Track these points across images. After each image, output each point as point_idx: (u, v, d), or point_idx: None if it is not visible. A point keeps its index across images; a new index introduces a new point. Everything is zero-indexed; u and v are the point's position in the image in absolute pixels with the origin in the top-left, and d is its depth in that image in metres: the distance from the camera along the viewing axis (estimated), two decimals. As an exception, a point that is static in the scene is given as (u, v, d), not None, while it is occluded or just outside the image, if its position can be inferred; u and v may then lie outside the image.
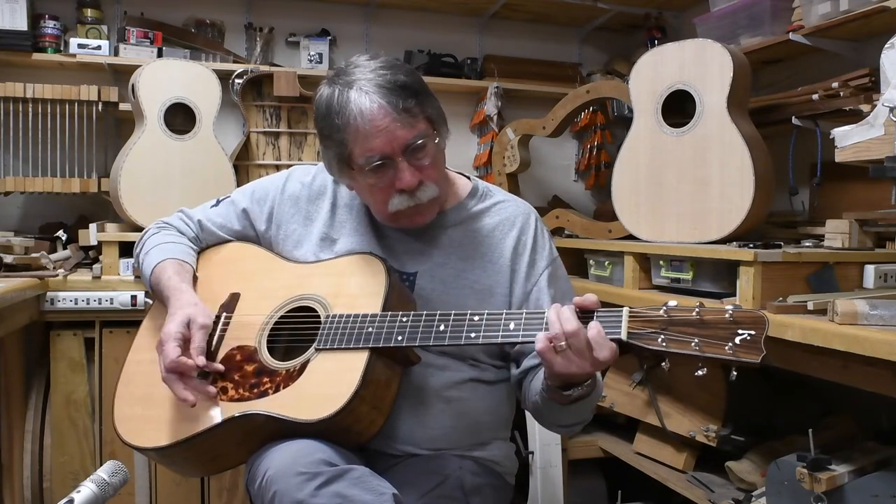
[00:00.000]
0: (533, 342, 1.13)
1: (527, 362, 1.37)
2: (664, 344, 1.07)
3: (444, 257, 1.39)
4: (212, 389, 1.27)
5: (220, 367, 1.30)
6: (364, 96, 1.23)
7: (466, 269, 1.38)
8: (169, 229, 1.53)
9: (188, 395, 1.25)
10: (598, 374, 1.22)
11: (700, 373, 1.07)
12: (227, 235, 1.53)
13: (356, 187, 1.37)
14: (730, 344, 1.04)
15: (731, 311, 1.06)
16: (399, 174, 1.27)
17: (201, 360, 1.27)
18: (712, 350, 1.05)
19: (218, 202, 1.55)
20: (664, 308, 1.09)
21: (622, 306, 1.15)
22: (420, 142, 1.27)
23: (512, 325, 1.18)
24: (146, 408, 1.35)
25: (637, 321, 1.10)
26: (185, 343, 1.28)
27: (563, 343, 1.10)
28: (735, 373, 1.06)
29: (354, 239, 1.41)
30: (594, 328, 1.10)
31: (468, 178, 1.49)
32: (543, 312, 1.17)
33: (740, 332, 1.04)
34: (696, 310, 1.08)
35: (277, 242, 1.48)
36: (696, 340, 1.05)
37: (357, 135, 1.25)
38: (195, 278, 1.45)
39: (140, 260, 1.51)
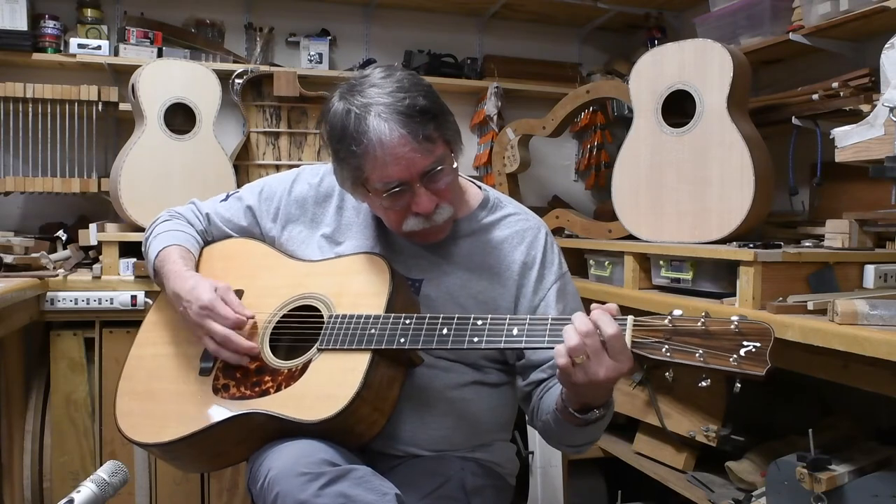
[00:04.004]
0: (536, 348, 1.12)
1: (534, 375, 1.36)
2: (668, 354, 1.06)
3: (451, 267, 1.38)
4: (257, 347, 1.31)
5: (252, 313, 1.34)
6: (384, 124, 1.20)
7: (472, 279, 1.38)
8: (180, 219, 1.54)
9: (254, 344, 1.29)
10: (613, 396, 1.22)
11: (704, 384, 1.06)
12: (233, 231, 1.53)
13: (369, 203, 1.35)
14: (734, 356, 1.02)
15: (736, 322, 1.04)
16: (416, 199, 1.26)
17: (248, 312, 1.32)
18: (716, 361, 1.03)
19: (227, 197, 1.56)
20: (669, 317, 1.08)
21: (625, 308, 1.14)
22: (439, 168, 1.25)
23: (515, 331, 1.17)
24: (147, 403, 1.35)
25: (641, 330, 1.09)
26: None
27: (580, 341, 1.08)
28: (739, 385, 1.04)
29: (360, 242, 1.41)
30: (612, 326, 1.08)
31: (480, 187, 1.48)
32: (547, 318, 1.16)
33: (745, 343, 1.03)
34: (702, 320, 1.06)
35: (282, 242, 1.48)
36: (701, 351, 1.04)
37: (375, 163, 1.22)
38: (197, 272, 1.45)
39: (147, 243, 1.51)
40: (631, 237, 2.20)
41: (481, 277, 1.38)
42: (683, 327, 1.07)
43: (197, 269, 1.46)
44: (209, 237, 1.55)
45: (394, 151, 1.21)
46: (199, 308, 1.30)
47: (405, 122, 1.20)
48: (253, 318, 1.32)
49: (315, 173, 1.51)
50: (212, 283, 1.34)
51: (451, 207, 1.32)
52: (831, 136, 1.70)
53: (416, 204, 1.26)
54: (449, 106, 1.33)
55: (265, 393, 1.25)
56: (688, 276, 1.96)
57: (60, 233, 2.50)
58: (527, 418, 1.43)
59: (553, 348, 1.12)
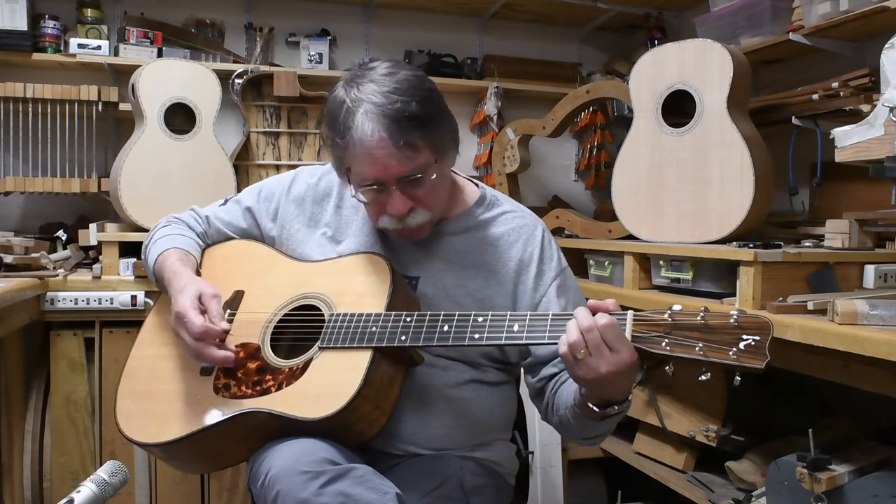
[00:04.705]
0: (536, 344, 1.12)
1: (545, 370, 1.37)
2: (668, 348, 1.07)
3: (446, 264, 1.38)
4: (231, 355, 1.28)
5: (228, 326, 1.30)
6: (368, 123, 1.21)
7: (468, 277, 1.38)
8: (179, 224, 1.55)
9: (228, 353, 1.27)
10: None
11: (703, 377, 1.06)
12: (233, 233, 1.54)
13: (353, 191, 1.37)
14: (734, 349, 1.03)
15: (735, 316, 1.05)
16: (390, 200, 1.27)
17: (225, 325, 1.28)
18: (716, 355, 1.04)
19: (226, 201, 1.57)
20: (669, 312, 1.09)
21: (625, 308, 1.15)
22: (418, 175, 1.26)
23: (516, 327, 1.17)
24: (148, 403, 1.35)
25: (641, 324, 1.10)
26: (202, 314, 1.29)
27: (579, 336, 1.08)
28: (739, 378, 1.05)
29: (359, 240, 1.42)
30: (604, 317, 1.08)
31: (477, 184, 1.48)
32: (548, 314, 1.17)
33: (745, 337, 1.03)
34: (701, 314, 1.07)
35: (282, 242, 1.49)
36: (701, 345, 1.05)
37: (355, 158, 1.25)
38: (199, 274, 1.45)
39: (147, 249, 1.52)
40: (631, 237, 2.21)
41: (477, 275, 1.38)
42: (683, 321, 1.08)
43: (199, 271, 1.46)
44: (209, 240, 1.55)
45: (370, 152, 1.22)
46: (175, 315, 1.30)
47: (389, 125, 1.21)
48: (228, 331, 1.29)
49: (313, 174, 1.51)
50: (199, 288, 1.32)
51: (428, 213, 1.32)
52: (831, 136, 1.70)
53: (389, 205, 1.28)
54: (449, 106, 1.33)
55: (266, 392, 1.25)
56: (688, 276, 1.96)
57: (60, 233, 2.50)
58: (539, 414, 1.43)
59: (552, 343, 1.13)
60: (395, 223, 1.31)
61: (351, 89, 1.25)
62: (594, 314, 1.10)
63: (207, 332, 1.26)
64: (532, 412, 1.54)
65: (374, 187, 1.26)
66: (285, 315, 1.35)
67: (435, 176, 1.28)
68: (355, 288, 1.32)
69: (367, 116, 1.21)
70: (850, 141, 1.64)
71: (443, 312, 1.23)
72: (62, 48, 2.61)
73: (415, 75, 1.28)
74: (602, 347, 1.08)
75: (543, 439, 2.34)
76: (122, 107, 2.52)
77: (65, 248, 2.48)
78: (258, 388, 1.26)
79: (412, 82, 1.26)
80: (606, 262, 2.29)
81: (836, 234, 1.87)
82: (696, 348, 1.05)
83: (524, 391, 1.48)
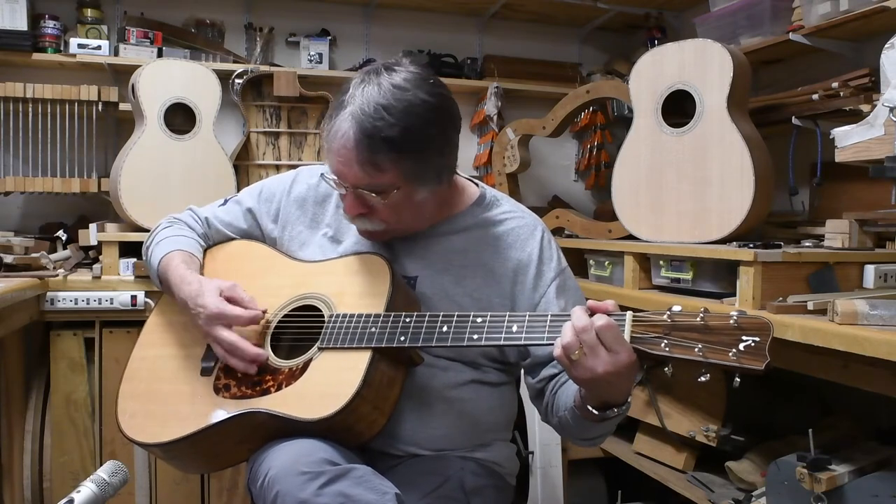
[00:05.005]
0: (535, 345, 1.12)
1: (545, 371, 1.36)
2: (667, 349, 1.06)
3: (444, 263, 1.38)
4: (264, 353, 1.31)
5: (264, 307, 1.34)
6: (343, 125, 1.21)
7: (467, 276, 1.37)
8: (179, 224, 1.55)
9: (261, 350, 1.29)
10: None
11: (703, 378, 1.06)
12: (234, 234, 1.54)
13: None
14: (734, 350, 1.03)
15: (735, 317, 1.05)
16: (345, 197, 1.30)
17: (261, 306, 1.33)
18: (716, 356, 1.03)
19: (226, 201, 1.57)
20: (668, 312, 1.08)
21: (624, 308, 1.14)
22: (372, 193, 1.26)
23: (515, 328, 1.17)
24: (149, 404, 1.36)
25: (640, 325, 1.10)
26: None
27: (574, 337, 1.08)
28: (738, 379, 1.05)
29: (359, 240, 1.41)
30: (602, 318, 1.08)
31: (477, 184, 1.48)
32: (546, 315, 1.17)
33: (745, 338, 1.03)
34: (701, 315, 1.06)
35: (283, 243, 1.49)
36: (700, 346, 1.04)
37: (326, 145, 1.28)
38: (202, 275, 1.45)
39: (149, 251, 1.52)
40: (631, 237, 2.21)
41: (475, 275, 1.38)
42: (683, 322, 1.07)
43: (201, 271, 1.46)
44: (210, 241, 1.55)
45: (336, 152, 1.24)
46: (208, 317, 1.30)
47: (359, 138, 1.20)
48: (266, 311, 1.32)
49: (313, 174, 1.51)
50: (217, 284, 1.33)
51: (381, 224, 1.31)
52: (831, 136, 1.70)
53: (343, 202, 1.31)
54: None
55: (266, 392, 1.25)
56: (688, 276, 1.96)
57: (60, 233, 2.50)
58: (539, 415, 1.43)
59: (551, 344, 1.12)
60: (350, 218, 1.34)
61: (360, 84, 1.24)
62: (593, 315, 1.10)
63: (253, 317, 1.30)
64: (532, 412, 1.54)
65: (337, 180, 1.29)
66: (285, 315, 1.35)
67: (396, 199, 1.27)
68: (355, 288, 1.32)
69: (347, 119, 1.21)
70: (850, 141, 1.64)
71: (442, 313, 1.22)
72: (62, 48, 2.61)
73: (423, 101, 1.22)
74: (598, 348, 1.08)
75: (543, 439, 2.34)
76: (122, 107, 2.52)
77: (65, 248, 2.48)
78: (258, 388, 1.26)
79: (413, 106, 1.21)
80: (606, 262, 2.29)
81: (836, 234, 1.87)
82: (696, 349, 1.05)
83: (524, 391, 1.48)
